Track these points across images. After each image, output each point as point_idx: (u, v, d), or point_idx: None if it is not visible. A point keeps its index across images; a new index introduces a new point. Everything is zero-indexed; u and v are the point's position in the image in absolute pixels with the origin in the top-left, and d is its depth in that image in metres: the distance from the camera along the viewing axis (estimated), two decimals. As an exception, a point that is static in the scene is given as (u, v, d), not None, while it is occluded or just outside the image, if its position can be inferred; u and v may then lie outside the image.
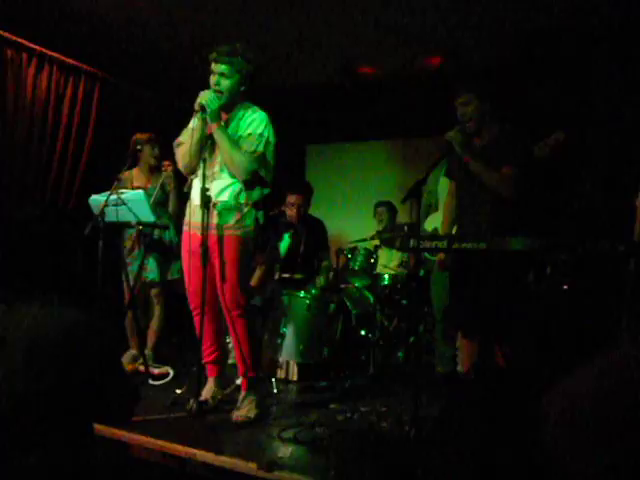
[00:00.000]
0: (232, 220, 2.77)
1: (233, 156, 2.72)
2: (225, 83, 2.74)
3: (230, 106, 2.81)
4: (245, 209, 2.80)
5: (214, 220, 2.77)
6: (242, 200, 2.79)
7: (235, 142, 2.74)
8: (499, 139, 2.84)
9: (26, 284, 1.39)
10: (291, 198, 4.08)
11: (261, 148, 2.75)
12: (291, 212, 4.09)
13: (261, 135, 2.76)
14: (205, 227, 2.69)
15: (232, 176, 2.78)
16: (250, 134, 2.75)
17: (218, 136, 2.73)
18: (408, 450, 2.40)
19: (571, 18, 3.86)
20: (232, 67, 2.74)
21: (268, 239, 3.75)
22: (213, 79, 2.76)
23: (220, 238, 2.77)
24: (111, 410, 1.45)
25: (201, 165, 2.75)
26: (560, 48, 4.27)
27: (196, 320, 2.88)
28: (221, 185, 2.79)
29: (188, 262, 2.85)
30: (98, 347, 1.35)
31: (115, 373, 1.43)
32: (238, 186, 2.79)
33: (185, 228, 2.88)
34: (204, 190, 2.71)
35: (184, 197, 3.03)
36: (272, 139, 2.81)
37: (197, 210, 2.78)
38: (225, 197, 2.78)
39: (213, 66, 2.76)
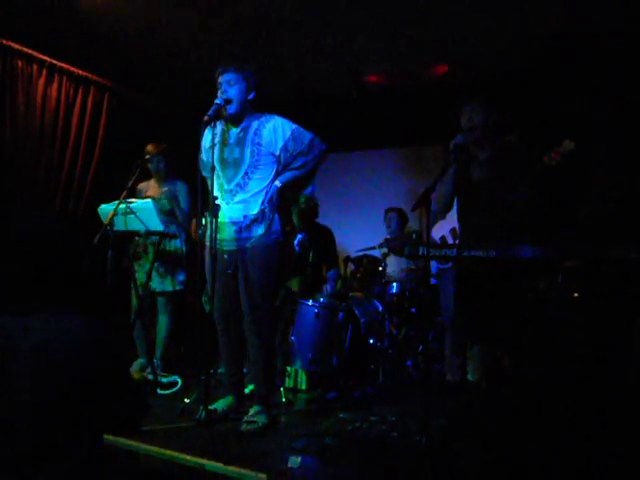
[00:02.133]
0: (261, 229, 2.77)
1: (308, 175, 2.87)
2: (232, 91, 2.75)
3: (240, 115, 2.81)
4: (271, 214, 2.79)
5: (241, 234, 2.78)
6: (266, 205, 2.79)
7: (296, 169, 2.82)
8: (502, 151, 2.83)
9: (33, 294, 1.39)
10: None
11: (307, 139, 2.81)
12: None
13: (297, 130, 2.80)
14: (213, 239, 2.68)
15: (252, 190, 2.78)
16: (291, 139, 2.78)
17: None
18: (419, 459, 2.37)
19: (579, 27, 3.85)
20: (238, 75, 2.76)
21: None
22: (220, 90, 2.77)
23: (249, 251, 2.78)
24: (120, 420, 1.44)
25: (208, 177, 2.76)
26: (569, 56, 4.26)
27: (222, 339, 2.91)
28: (243, 202, 2.79)
29: (219, 281, 2.84)
30: (106, 357, 1.35)
31: (123, 383, 1.42)
32: (262, 198, 2.79)
33: (209, 245, 2.83)
34: (213, 199, 2.73)
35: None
36: (292, 127, 2.83)
37: (222, 226, 2.79)
38: (249, 211, 2.78)
39: (220, 79, 2.78)
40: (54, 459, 1.24)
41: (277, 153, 2.78)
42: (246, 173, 2.78)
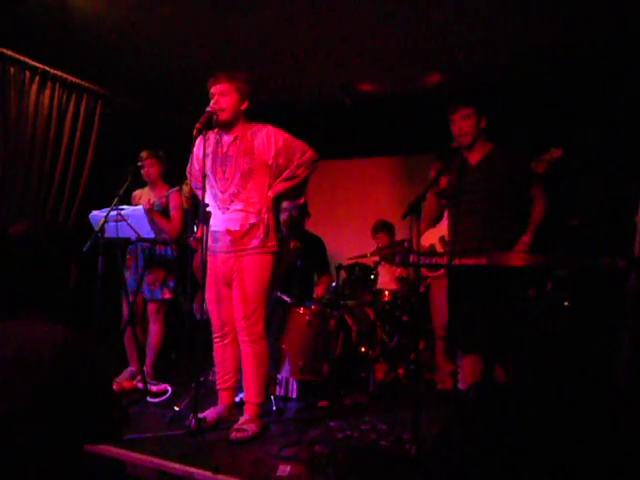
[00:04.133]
0: (256, 240, 2.79)
1: (300, 184, 2.88)
2: (224, 100, 2.77)
3: (232, 124, 2.82)
4: (267, 225, 2.81)
5: (236, 243, 2.79)
6: (263, 217, 2.80)
7: (288, 180, 2.83)
8: (492, 157, 2.86)
9: (16, 301, 1.37)
10: (284, 203, 4.06)
11: (299, 147, 2.82)
12: (284, 216, 4.04)
13: (289, 140, 2.82)
14: (205, 249, 2.70)
15: (247, 199, 2.79)
16: (283, 148, 2.79)
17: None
18: (409, 468, 2.37)
19: (566, 37, 3.90)
20: (230, 86, 2.78)
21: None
22: (213, 101, 2.79)
23: (244, 260, 2.79)
24: (99, 431, 1.42)
25: (198, 188, 2.79)
26: (558, 66, 4.31)
27: (217, 347, 2.92)
28: (238, 212, 2.80)
29: (214, 289, 2.87)
30: (85, 365, 1.33)
31: (103, 392, 1.40)
32: (256, 208, 2.80)
33: (208, 254, 2.84)
34: (204, 206, 2.74)
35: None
36: (283, 135, 2.84)
37: (218, 235, 2.82)
38: (245, 221, 2.79)
39: (212, 90, 2.80)
40: (33, 468, 1.22)
41: (269, 162, 2.80)
42: (240, 183, 2.79)
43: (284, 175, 2.82)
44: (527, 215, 2.82)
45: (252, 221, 2.79)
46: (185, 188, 3.55)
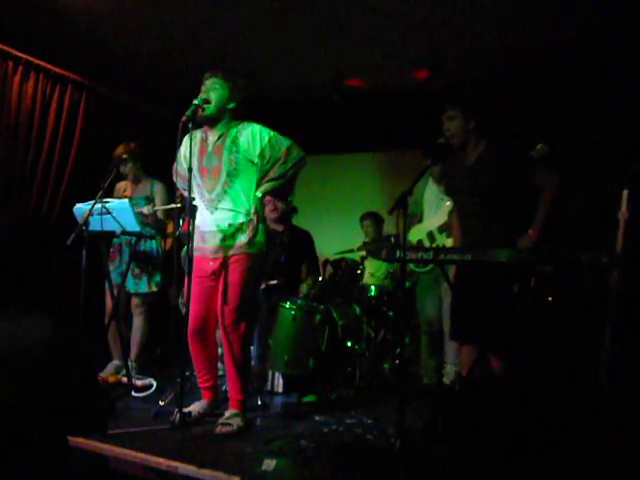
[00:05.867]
0: (244, 239, 2.78)
1: (288, 183, 2.87)
2: (213, 94, 2.76)
3: (217, 120, 2.80)
4: (256, 225, 2.81)
5: (225, 242, 2.78)
6: (252, 217, 2.80)
7: (275, 179, 2.81)
8: (485, 157, 2.85)
9: (2, 295, 1.36)
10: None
11: (284, 146, 2.80)
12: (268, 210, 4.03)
13: (275, 138, 2.80)
14: (191, 243, 2.71)
15: (234, 198, 2.78)
16: (268, 146, 2.77)
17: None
18: (394, 462, 2.38)
19: (557, 34, 3.93)
20: (223, 82, 2.77)
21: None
22: (201, 92, 2.77)
23: (231, 259, 2.78)
24: (85, 423, 1.41)
25: (183, 187, 2.81)
26: (548, 63, 4.34)
27: (196, 347, 2.89)
28: (226, 211, 2.79)
29: (198, 288, 2.85)
30: (72, 359, 1.32)
31: (89, 386, 1.40)
32: (245, 207, 2.80)
33: (196, 254, 2.84)
34: (191, 200, 2.72)
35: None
36: (269, 133, 2.82)
37: (206, 236, 2.81)
38: (233, 220, 2.79)
39: (205, 82, 2.79)
40: (18, 461, 1.22)
41: (255, 160, 2.78)
42: (226, 181, 2.78)
43: (271, 174, 2.81)
44: (531, 209, 2.79)
45: (241, 220, 2.79)
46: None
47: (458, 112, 2.83)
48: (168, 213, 3.70)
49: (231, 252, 2.79)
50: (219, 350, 3.10)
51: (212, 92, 2.75)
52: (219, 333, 2.90)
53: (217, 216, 2.81)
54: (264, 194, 2.84)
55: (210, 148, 2.82)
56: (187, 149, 2.73)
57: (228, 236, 2.78)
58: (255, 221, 2.80)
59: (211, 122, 2.80)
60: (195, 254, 2.84)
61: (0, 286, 1.36)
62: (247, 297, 2.81)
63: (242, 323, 2.79)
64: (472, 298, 2.75)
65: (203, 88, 2.78)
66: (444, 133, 2.86)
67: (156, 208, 3.62)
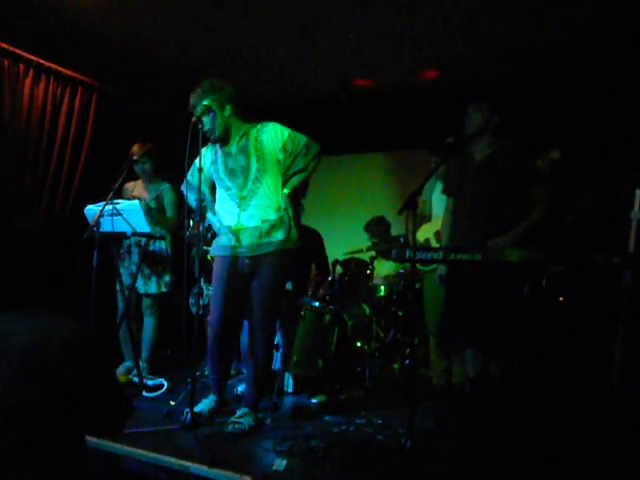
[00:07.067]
0: (280, 235, 2.79)
1: (308, 179, 2.92)
2: (207, 121, 2.77)
3: (226, 134, 2.84)
4: (289, 221, 2.83)
5: (261, 239, 2.79)
6: (283, 213, 2.82)
7: (298, 172, 2.85)
8: (496, 157, 2.85)
9: (25, 295, 1.38)
10: None
11: (303, 140, 2.83)
12: None
13: (293, 133, 2.83)
14: (200, 244, 2.78)
15: (266, 193, 2.80)
16: (289, 140, 2.81)
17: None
18: (404, 462, 2.38)
19: (567, 34, 3.90)
20: (206, 103, 2.75)
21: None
22: (197, 122, 2.74)
23: (268, 256, 2.79)
24: (104, 422, 1.43)
25: (194, 200, 2.83)
26: (558, 63, 4.31)
27: (219, 346, 2.89)
28: (259, 207, 2.80)
29: (228, 288, 2.83)
30: (92, 358, 1.34)
31: (109, 385, 1.41)
32: (274, 203, 2.81)
33: (227, 254, 2.84)
34: (200, 202, 2.76)
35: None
36: (287, 129, 2.85)
37: (241, 234, 2.81)
38: (267, 216, 2.80)
39: (194, 112, 2.76)
40: (36, 460, 1.23)
41: (279, 156, 2.82)
42: (256, 178, 2.80)
43: (293, 168, 2.85)
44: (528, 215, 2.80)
45: (274, 217, 2.80)
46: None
47: (481, 107, 2.85)
48: (180, 213, 3.72)
49: (269, 249, 2.79)
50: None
51: (205, 120, 2.77)
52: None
53: (251, 212, 2.81)
54: (291, 190, 2.86)
55: (234, 149, 2.85)
56: (208, 159, 2.83)
57: (264, 233, 2.79)
58: (287, 216, 2.82)
59: (224, 139, 2.85)
60: (226, 254, 2.85)
61: (27, 287, 1.38)
62: (280, 294, 2.86)
63: (274, 321, 2.84)
64: (469, 301, 2.74)
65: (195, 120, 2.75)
66: (464, 124, 2.86)
67: None
